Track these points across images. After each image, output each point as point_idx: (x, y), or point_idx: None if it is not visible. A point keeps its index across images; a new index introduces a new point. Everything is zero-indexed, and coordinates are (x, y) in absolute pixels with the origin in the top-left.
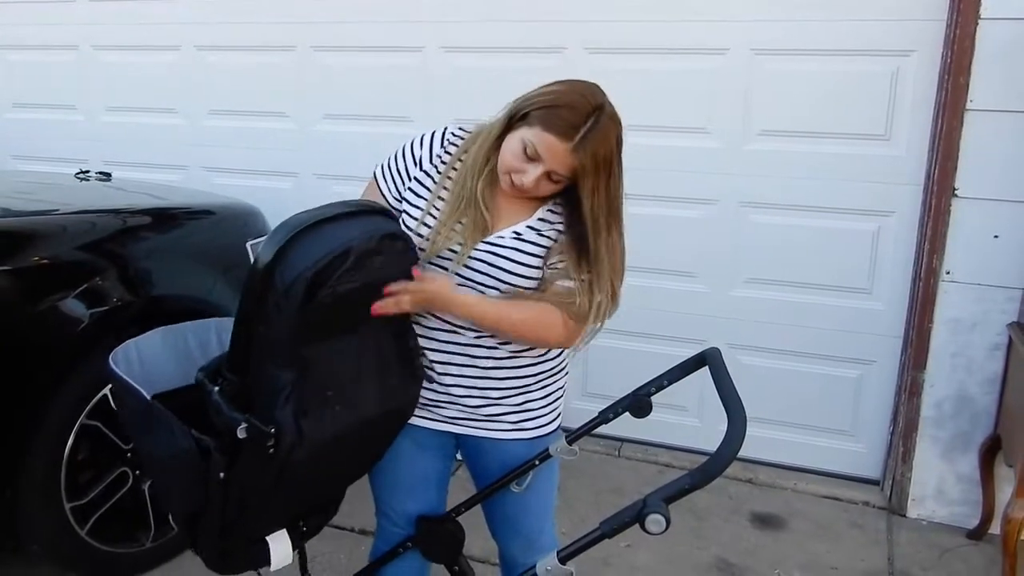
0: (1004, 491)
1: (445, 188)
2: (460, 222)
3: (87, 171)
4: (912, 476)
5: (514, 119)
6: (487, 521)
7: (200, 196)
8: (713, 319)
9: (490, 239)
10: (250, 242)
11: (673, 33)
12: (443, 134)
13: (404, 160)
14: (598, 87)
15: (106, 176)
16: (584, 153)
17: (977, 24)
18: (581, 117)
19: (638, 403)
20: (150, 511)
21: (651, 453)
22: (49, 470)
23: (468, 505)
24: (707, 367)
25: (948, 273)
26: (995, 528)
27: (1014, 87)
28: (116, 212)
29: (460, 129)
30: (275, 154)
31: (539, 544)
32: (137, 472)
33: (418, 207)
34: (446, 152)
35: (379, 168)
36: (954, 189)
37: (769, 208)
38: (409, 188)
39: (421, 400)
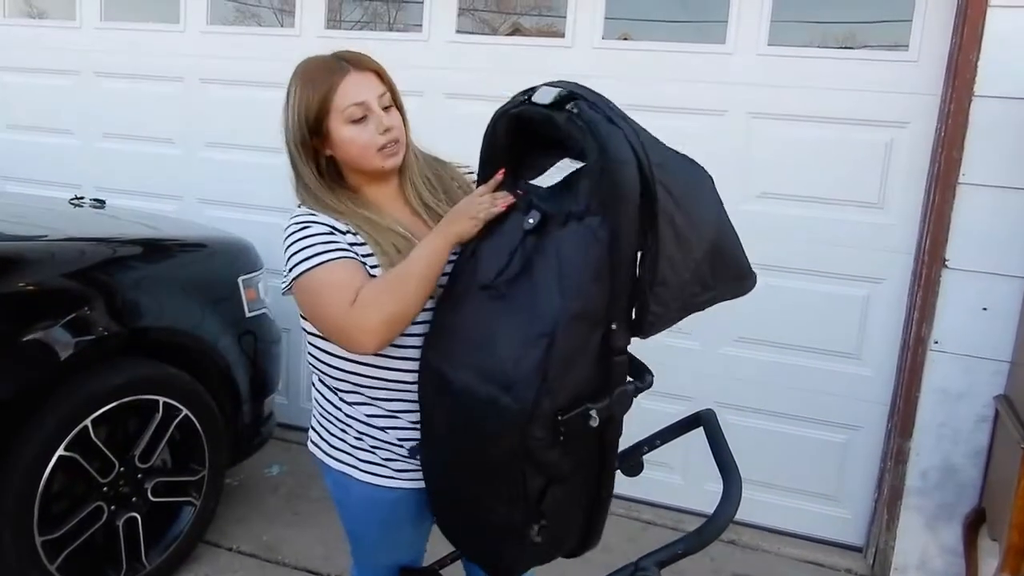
0: (988, 564)
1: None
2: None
3: (81, 197)
4: (896, 545)
5: (315, 139)
6: (465, 569)
7: (193, 228)
8: (702, 376)
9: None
10: (241, 277)
11: (673, 91)
12: (317, 227)
13: (337, 239)
14: None
15: (100, 203)
16: (364, 61)
17: (971, 100)
18: (329, 59)
19: (630, 462)
20: (122, 547)
21: (634, 509)
22: (23, 501)
23: (453, 558)
24: (701, 428)
25: (936, 343)
26: None
27: (1005, 163)
28: (107, 241)
29: (306, 214)
30: (270, 187)
31: None
32: (112, 507)
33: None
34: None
35: (331, 254)
36: (945, 260)
37: (762, 269)
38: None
39: (413, 463)
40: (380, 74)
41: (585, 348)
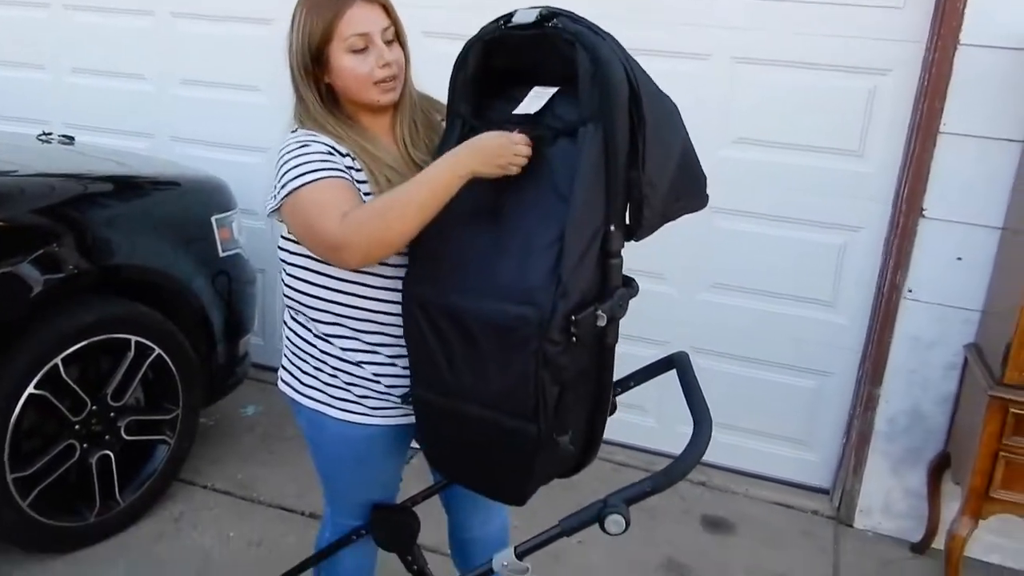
0: (950, 507)
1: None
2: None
3: (49, 133)
4: (861, 488)
5: (316, 67)
6: (442, 496)
7: (165, 166)
8: (678, 322)
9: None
10: (215, 216)
11: (658, 35)
12: (317, 145)
13: (335, 160)
14: None
15: (69, 140)
16: None
17: (956, 49)
18: None
19: None
20: (95, 485)
21: (607, 451)
22: None
23: (425, 495)
24: (674, 371)
25: (910, 291)
26: (938, 543)
27: (987, 113)
28: (77, 177)
29: (306, 135)
30: (245, 127)
31: (494, 516)
32: (85, 445)
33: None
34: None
35: (327, 172)
36: (922, 209)
37: (740, 215)
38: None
39: (387, 400)
40: (387, 8)
41: (588, 251)
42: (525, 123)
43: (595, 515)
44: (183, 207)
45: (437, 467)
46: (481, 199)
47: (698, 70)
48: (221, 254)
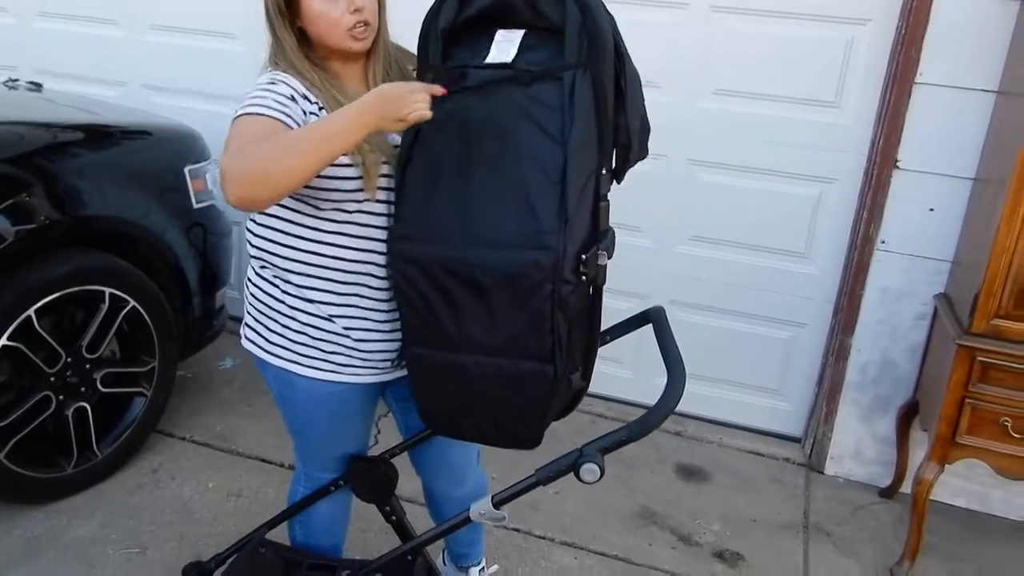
0: (917, 454)
1: None
2: (367, 142)
3: (16, 79)
4: (832, 436)
5: (289, 8)
6: (413, 459)
7: (137, 115)
8: (655, 274)
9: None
10: (188, 167)
11: None
12: (284, 86)
13: (291, 107)
14: None
15: (37, 86)
16: None
17: None
18: None
19: None
20: (72, 436)
21: (584, 403)
22: None
23: (403, 448)
24: (651, 325)
25: (883, 242)
26: (906, 488)
27: (963, 63)
28: (46, 125)
29: (283, 75)
30: (220, 75)
31: (468, 477)
32: (61, 397)
33: None
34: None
35: (269, 110)
36: (896, 160)
37: (716, 168)
38: None
39: (356, 356)
40: None
41: (584, 194)
42: (498, 68)
43: (571, 464)
44: (155, 157)
45: (438, 428)
46: (464, 147)
47: (676, 19)
48: (195, 205)
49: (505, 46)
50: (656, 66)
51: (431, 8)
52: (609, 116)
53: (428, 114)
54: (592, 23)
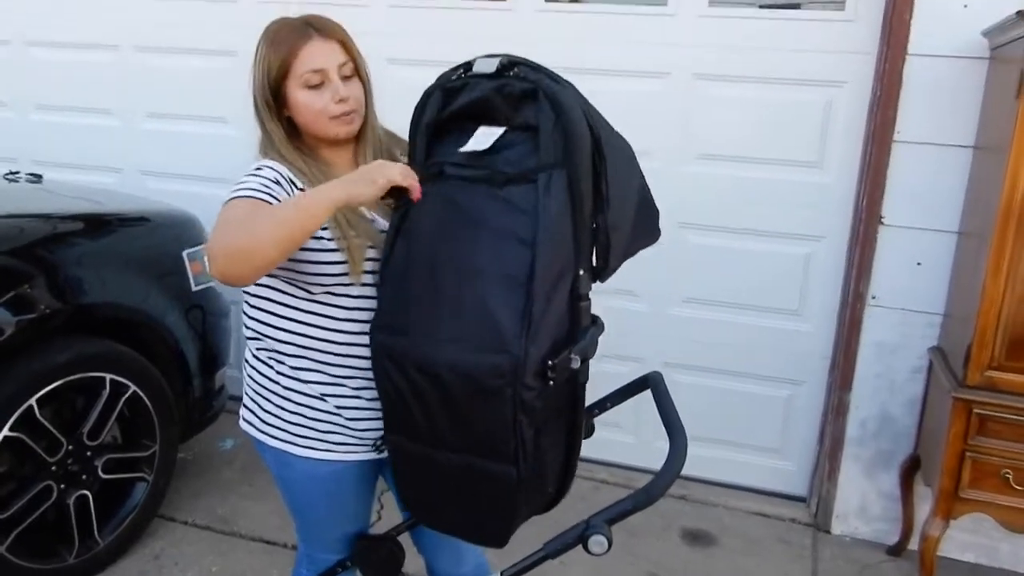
0: (923, 509)
1: None
2: (352, 228)
3: (16, 172)
4: (837, 493)
5: (276, 101)
6: (414, 538)
7: (134, 201)
8: (651, 337)
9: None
10: (186, 251)
11: (618, 54)
12: (270, 171)
13: (275, 189)
14: None
15: (36, 177)
16: (331, 29)
17: (905, 59)
18: (297, 22)
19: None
20: (74, 525)
21: (586, 469)
22: None
23: (408, 526)
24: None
25: (874, 298)
26: (914, 544)
27: (938, 121)
28: (46, 217)
29: (270, 163)
30: (214, 159)
31: (468, 556)
32: (62, 485)
33: (319, 236)
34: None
35: (254, 192)
36: (881, 217)
37: (706, 230)
38: None
39: (351, 435)
40: (345, 43)
41: (556, 295)
42: (476, 162)
43: (578, 536)
44: (153, 243)
45: (416, 515)
46: (440, 243)
47: (660, 87)
48: (194, 288)
49: (483, 139)
50: (642, 133)
51: (418, 103)
52: (586, 216)
53: (397, 177)
54: (566, 122)
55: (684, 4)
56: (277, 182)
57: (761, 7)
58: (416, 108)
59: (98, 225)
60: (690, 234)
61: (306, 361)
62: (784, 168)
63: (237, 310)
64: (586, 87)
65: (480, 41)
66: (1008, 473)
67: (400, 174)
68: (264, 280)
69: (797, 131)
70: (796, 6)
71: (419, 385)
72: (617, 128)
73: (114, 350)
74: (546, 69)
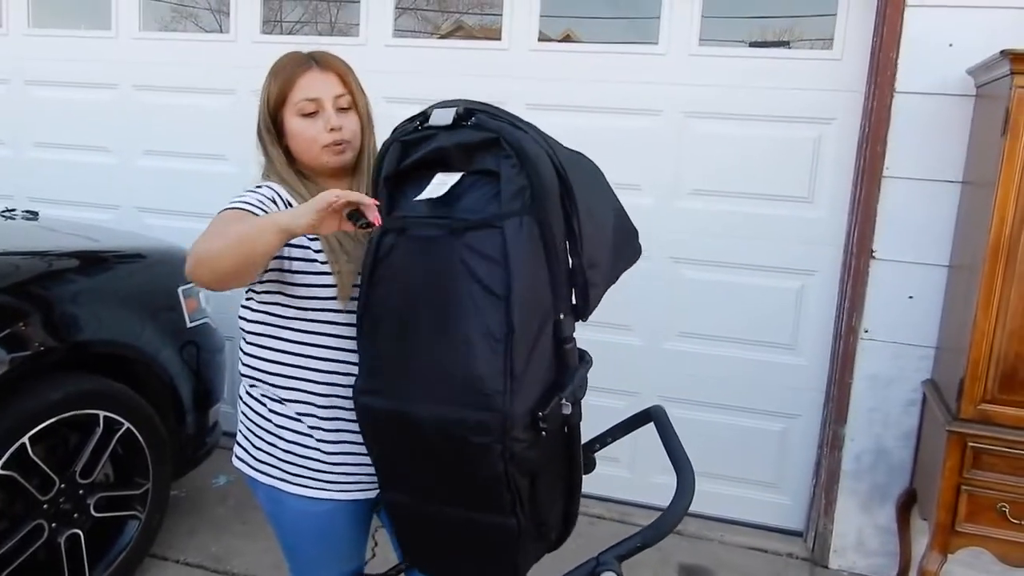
0: (920, 542)
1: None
2: (346, 254)
3: (13, 209)
4: (834, 528)
5: (275, 126)
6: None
7: (130, 238)
8: (646, 371)
9: None
10: (182, 287)
11: (610, 92)
12: (268, 190)
13: (269, 206)
14: None
15: (33, 215)
16: (331, 62)
17: (892, 96)
18: (301, 55)
19: (583, 459)
20: (64, 565)
21: (582, 504)
22: None
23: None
24: (652, 424)
25: (867, 331)
26: None
27: (927, 157)
28: (42, 254)
29: (270, 184)
30: (212, 196)
31: None
32: (53, 524)
33: (313, 260)
34: (286, 205)
35: (244, 204)
36: (872, 251)
37: (699, 264)
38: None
39: (345, 473)
40: (343, 77)
41: (539, 343)
42: (436, 212)
43: (589, 572)
44: (149, 279)
45: (416, 564)
46: (408, 304)
47: (652, 124)
48: (189, 324)
49: (439, 186)
50: (635, 169)
51: (376, 156)
52: (561, 259)
53: (331, 197)
54: (532, 172)
55: (675, 43)
56: (273, 200)
57: (751, 45)
58: (376, 161)
59: (94, 262)
60: (684, 269)
61: (297, 393)
62: (775, 203)
63: (231, 346)
64: (579, 124)
65: (476, 80)
66: (1004, 507)
67: (335, 195)
68: (259, 315)
69: (788, 167)
70: (785, 44)
71: (407, 444)
72: (610, 165)
73: (108, 387)
74: (507, 115)
